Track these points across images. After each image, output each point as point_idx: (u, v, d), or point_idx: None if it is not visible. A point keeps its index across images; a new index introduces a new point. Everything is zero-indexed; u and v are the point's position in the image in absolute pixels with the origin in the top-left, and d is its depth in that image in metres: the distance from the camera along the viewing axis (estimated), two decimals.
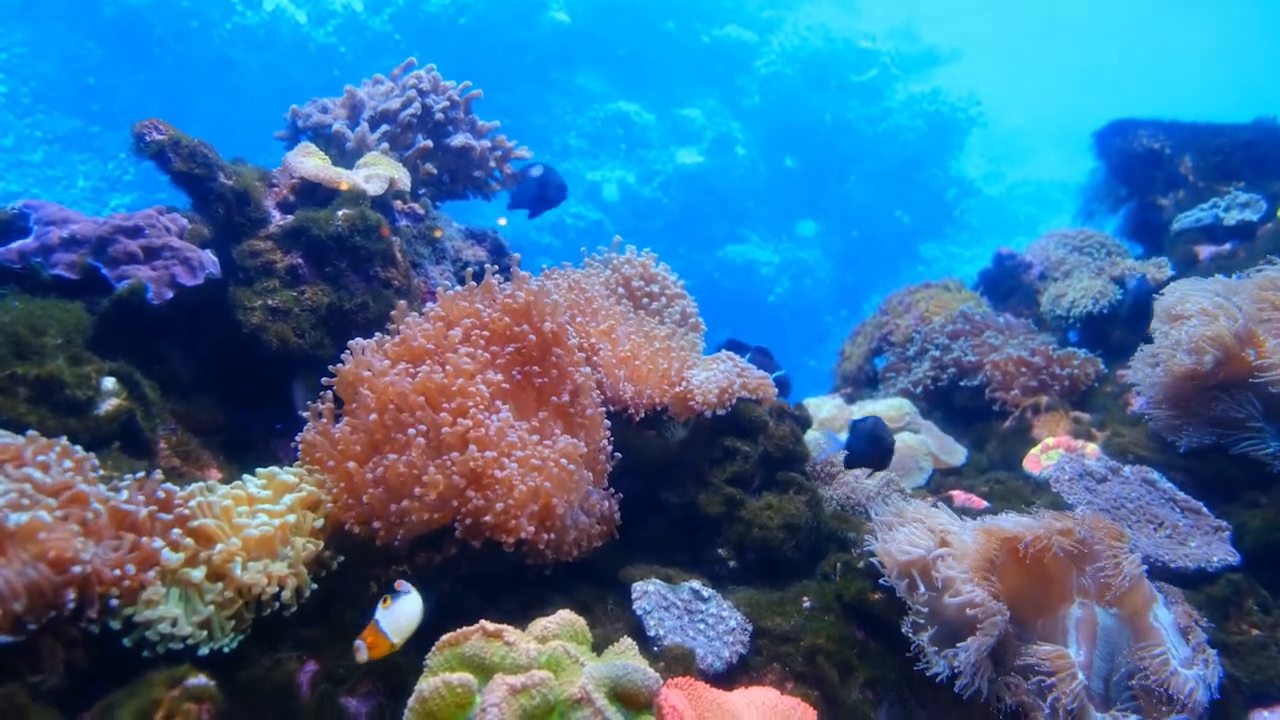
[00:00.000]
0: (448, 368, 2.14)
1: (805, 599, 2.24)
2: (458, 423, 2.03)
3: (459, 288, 2.44)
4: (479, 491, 1.98)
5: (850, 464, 2.68)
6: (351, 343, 2.24)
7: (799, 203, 15.56)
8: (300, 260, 2.61)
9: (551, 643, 1.67)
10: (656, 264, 3.03)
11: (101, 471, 1.79)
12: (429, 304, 2.53)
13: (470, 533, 2.02)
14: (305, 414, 2.20)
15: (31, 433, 1.73)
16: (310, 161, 2.82)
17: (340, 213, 2.67)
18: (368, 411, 2.07)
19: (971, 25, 22.47)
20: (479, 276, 2.46)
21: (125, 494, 1.74)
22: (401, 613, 1.68)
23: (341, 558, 2.03)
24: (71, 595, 1.52)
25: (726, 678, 1.98)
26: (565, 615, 1.78)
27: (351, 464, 2.02)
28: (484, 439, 2.03)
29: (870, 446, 2.56)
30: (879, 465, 2.68)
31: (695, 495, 2.52)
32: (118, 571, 1.59)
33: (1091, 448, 3.07)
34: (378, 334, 2.32)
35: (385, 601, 1.69)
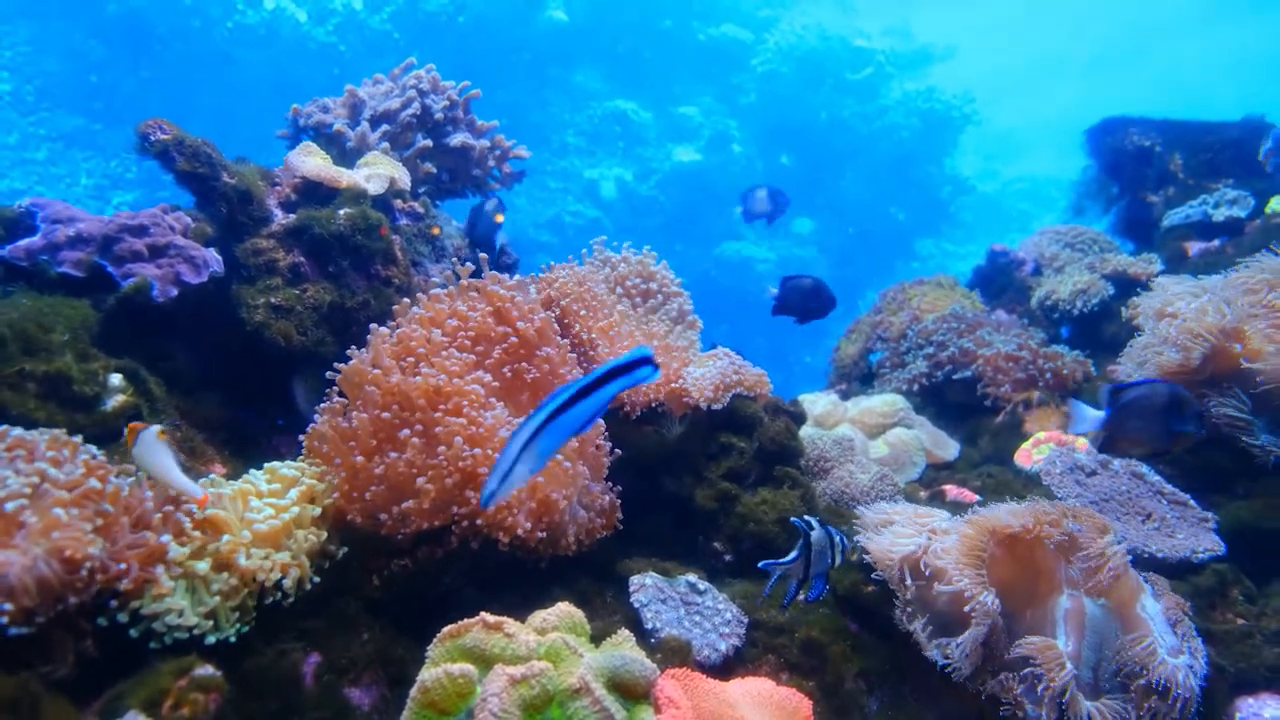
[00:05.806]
0: (433, 370, 2.16)
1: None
2: (451, 421, 2.05)
3: (449, 288, 2.46)
4: (476, 492, 2.00)
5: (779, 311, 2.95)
6: (372, 333, 2.27)
7: (795, 200, 15.54)
8: (302, 258, 2.64)
9: (551, 634, 1.70)
10: (656, 262, 3.06)
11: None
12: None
13: (467, 533, 2.05)
14: (308, 410, 2.23)
15: (56, 432, 1.75)
16: (312, 161, 2.85)
17: (342, 211, 2.70)
18: (374, 407, 2.10)
19: (966, 24, 22.47)
20: (478, 275, 2.50)
21: (137, 490, 1.77)
22: (156, 453, 1.76)
23: (345, 549, 2.06)
24: (80, 590, 1.55)
25: (723, 669, 2.01)
26: (564, 608, 1.81)
27: (359, 458, 2.05)
28: (476, 436, 2.04)
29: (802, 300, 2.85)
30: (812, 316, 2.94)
31: (692, 490, 2.55)
32: (125, 566, 1.62)
33: (1082, 442, 3.11)
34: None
35: (164, 435, 1.79)
